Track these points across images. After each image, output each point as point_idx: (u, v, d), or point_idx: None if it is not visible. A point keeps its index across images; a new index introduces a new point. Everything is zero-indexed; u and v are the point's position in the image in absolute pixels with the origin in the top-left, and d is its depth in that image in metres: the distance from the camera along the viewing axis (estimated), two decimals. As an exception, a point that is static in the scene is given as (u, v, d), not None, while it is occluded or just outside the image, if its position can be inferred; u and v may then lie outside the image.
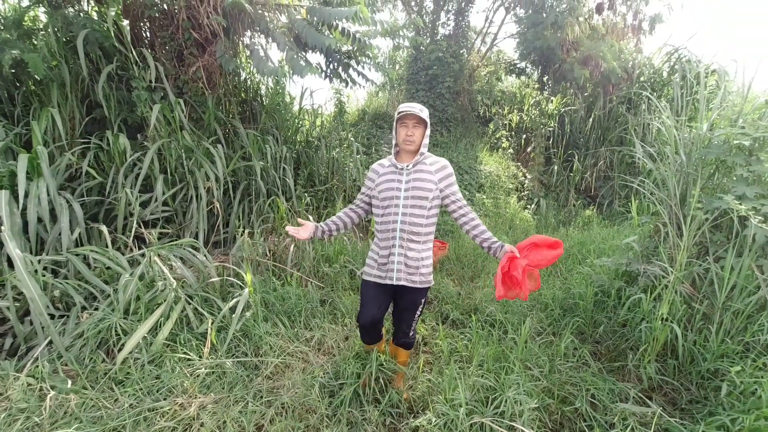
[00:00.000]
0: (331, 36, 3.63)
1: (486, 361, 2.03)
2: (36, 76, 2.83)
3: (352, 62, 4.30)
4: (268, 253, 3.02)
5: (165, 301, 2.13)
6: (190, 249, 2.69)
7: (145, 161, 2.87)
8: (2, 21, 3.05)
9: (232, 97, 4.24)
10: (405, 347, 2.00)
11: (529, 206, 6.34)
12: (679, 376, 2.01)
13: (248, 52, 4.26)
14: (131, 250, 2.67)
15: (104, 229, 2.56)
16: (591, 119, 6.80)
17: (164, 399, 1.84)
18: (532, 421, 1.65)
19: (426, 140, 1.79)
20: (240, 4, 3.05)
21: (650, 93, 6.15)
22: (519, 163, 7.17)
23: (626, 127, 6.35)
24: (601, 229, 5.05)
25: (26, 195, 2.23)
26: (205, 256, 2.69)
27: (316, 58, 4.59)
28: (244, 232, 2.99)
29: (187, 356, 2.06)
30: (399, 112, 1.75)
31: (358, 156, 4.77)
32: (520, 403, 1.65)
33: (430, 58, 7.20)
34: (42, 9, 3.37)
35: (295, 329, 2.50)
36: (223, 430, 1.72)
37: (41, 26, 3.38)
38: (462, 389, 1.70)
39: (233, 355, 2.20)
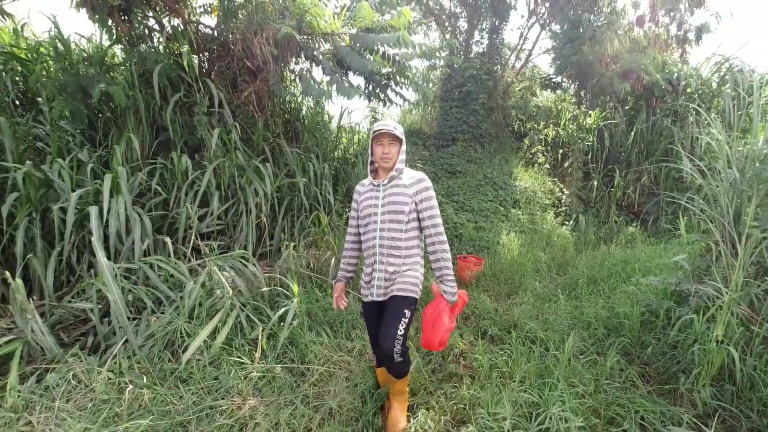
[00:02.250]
0: (372, 60, 3.84)
1: (528, 377, 2.03)
2: (116, 105, 3.21)
3: (391, 83, 4.49)
4: (310, 264, 3.19)
5: (222, 308, 2.32)
6: (242, 260, 2.90)
7: (204, 179, 3.15)
8: (89, 59, 3.51)
9: (278, 118, 4.55)
10: (391, 371, 1.80)
11: (567, 222, 6.19)
12: (738, 403, 1.91)
13: (293, 77, 4.59)
14: (189, 260, 2.92)
15: (168, 240, 2.82)
16: (633, 133, 6.59)
17: (222, 398, 1.99)
18: (578, 439, 1.64)
19: (402, 156, 1.82)
20: (291, 35, 3.33)
21: (698, 105, 5.90)
22: (555, 179, 7.04)
23: (672, 141, 6.10)
24: (646, 246, 4.84)
25: (108, 210, 2.54)
26: (254, 266, 2.88)
27: (355, 79, 4.84)
28: (288, 245, 3.18)
29: (241, 360, 2.22)
30: (374, 131, 1.79)
31: (394, 172, 4.91)
32: (566, 420, 1.65)
33: (463, 75, 7.32)
34: (118, 46, 3.84)
35: (338, 339, 2.61)
36: (276, 429, 1.83)
37: (118, 62, 3.85)
38: (506, 403, 1.72)
39: (281, 361, 2.34)
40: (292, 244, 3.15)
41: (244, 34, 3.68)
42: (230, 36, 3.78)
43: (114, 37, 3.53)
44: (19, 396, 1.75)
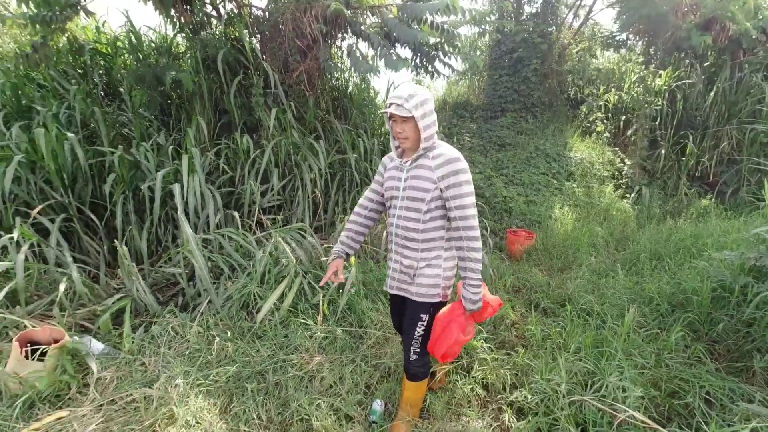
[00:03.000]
0: (420, 30, 3.77)
1: (584, 348, 2.04)
2: (185, 91, 3.49)
3: (439, 53, 4.39)
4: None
5: (288, 275, 2.54)
6: (300, 232, 3.12)
7: (263, 158, 3.37)
8: (159, 49, 3.81)
9: (327, 96, 4.66)
10: (408, 374, 1.71)
11: (628, 195, 5.79)
12: (823, 384, 1.79)
13: (342, 54, 4.63)
14: (254, 232, 3.19)
15: (236, 214, 3.11)
16: (712, 93, 5.87)
17: (292, 354, 2.23)
18: (637, 408, 1.64)
19: (428, 131, 1.45)
20: (340, 11, 3.35)
21: (797, 57, 5.10)
22: (616, 148, 6.54)
23: (762, 100, 5.37)
24: (721, 221, 4.42)
25: (186, 187, 2.84)
26: (312, 237, 3.09)
27: (403, 52, 4.78)
28: (343, 218, 3.34)
29: (306, 322, 2.45)
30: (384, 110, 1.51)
31: (442, 146, 4.87)
32: (624, 390, 1.66)
33: (514, 40, 6.90)
34: (181, 35, 4.12)
35: (391, 306, 2.77)
36: (340, 383, 2.04)
37: (182, 50, 4.13)
38: (560, 370, 1.77)
39: (341, 324, 2.54)
40: (346, 217, 3.31)
41: (294, 13, 3.76)
42: (281, 17, 3.88)
43: (178, 26, 3.79)
44: (133, 342, 2.10)
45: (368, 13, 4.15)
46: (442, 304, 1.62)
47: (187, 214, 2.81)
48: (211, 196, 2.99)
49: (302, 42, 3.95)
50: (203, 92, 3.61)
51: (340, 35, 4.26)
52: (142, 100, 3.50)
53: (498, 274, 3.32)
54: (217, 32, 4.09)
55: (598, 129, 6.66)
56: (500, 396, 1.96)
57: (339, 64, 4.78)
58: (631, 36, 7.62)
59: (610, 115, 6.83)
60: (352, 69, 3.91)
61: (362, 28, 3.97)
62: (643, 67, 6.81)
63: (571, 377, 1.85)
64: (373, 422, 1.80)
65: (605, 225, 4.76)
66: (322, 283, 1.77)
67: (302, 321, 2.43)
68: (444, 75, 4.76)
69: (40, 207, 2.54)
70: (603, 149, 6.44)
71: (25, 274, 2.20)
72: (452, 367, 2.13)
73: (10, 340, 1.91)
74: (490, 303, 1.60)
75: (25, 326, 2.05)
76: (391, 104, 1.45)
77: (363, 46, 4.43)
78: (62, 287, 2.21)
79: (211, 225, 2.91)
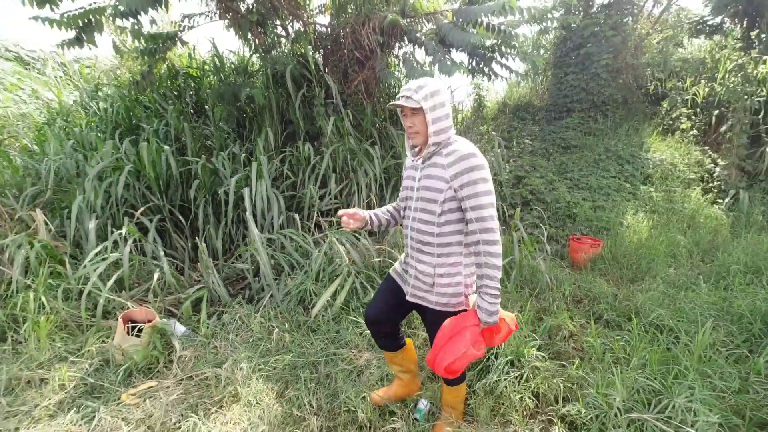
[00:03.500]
0: (475, 33, 3.75)
1: (649, 364, 1.87)
2: (256, 105, 3.88)
3: (496, 55, 4.31)
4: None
5: (341, 274, 2.69)
6: (355, 234, 3.27)
7: (323, 163, 3.60)
8: (237, 69, 4.29)
9: (384, 103, 4.82)
10: (444, 379, 1.65)
11: (720, 200, 5.08)
12: None
13: (396, 62, 4.77)
14: (312, 233, 3.42)
15: (296, 216, 3.36)
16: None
17: (342, 348, 2.36)
18: (710, 436, 1.47)
19: (439, 124, 1.35)
20: (396, 21, 3.48)
21: None
22: (706, 147, 5.78)
23: None
24: None
25: (254, 191, 3.16)
26: (366, 240, 3.22)
27: (458, 56, 4.78)
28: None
29: (356, 320, 2.56)
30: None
31: (499, 150, 4.75)
32: (695, 413, 1.50)
33: (582, 35, 6.48)
34: (255, 55, 4.58)
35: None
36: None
37: (256, 68, 4.59)
38: (619, 385, 1.64)
39: (390, 323, 2.61)
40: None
41: (353, 26, 3.98)
42: (341, 31, 4.13)
43: (253, 48, 4.24)
44: (208, 327, 2.39)
45: (423, 20, 4.23)
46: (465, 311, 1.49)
47: (255, 216, 3.12)
48: (276, 200, 3.27)
49: (360, 53, 4.15)
50: (272, 105, 3.97)
51: (396, 44, 4.40)
52: (221, 115, 3.97)
53: (556, 282, 3.14)
54: (286, 50, 4.48)
55: (683, 126, 5.95)
56: (551, 408, 1.88)
57: (396, 72, 4.93)
58: (726, 19, 6.71)
59: (698, 110, 6.07)
60: (407, 76, 4.01)
61: (417, 35, 4.06)
62: (742, 53, 5.95)
63: (632, 394, 1.71)
64: (416, 420, 1.84)
65: (689, 233, 4.24)
66: (339, 214, 1.62)
67: (353, 319, 2.56)
68: (502, 77, 4.64)
69: (142, 209, 3.01)
70: (689, 149, 5.74)
71: (129, 264, 2.63)
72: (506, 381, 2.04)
73: (117, 318, 2.30)
74: (507, 322, 1.42)
75: (128, 307, 2.45)
76: (400, 96, 1.37)
77: (419, 53, 4.53)
78: (156, 277, 2.60)
79: (275, 226, 3.19)
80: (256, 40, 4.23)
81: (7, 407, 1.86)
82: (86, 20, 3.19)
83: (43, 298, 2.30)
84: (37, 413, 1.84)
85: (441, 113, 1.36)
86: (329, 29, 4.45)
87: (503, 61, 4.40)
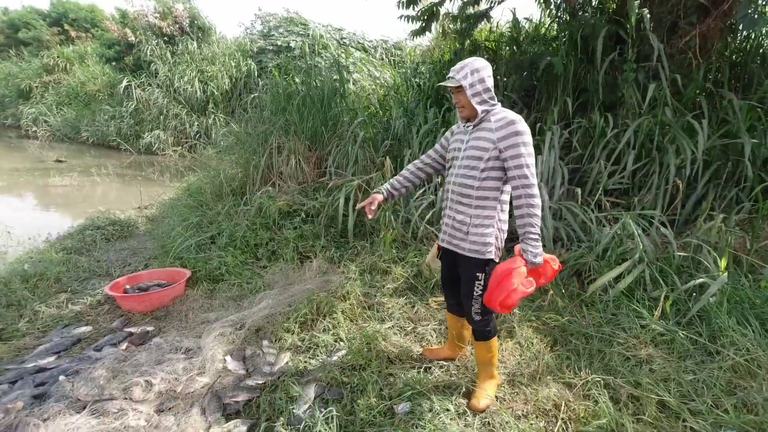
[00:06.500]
0: None
1: None
2: (554, 74, 3.87)
3: None
4: (749, 246, 2.64)
5: (631, 258, 2.52)
6: (651, 219, 2.89)
7: (623, 138, 3.27)
8: (536, 38, 4.36)
9: (724, 63, 3.69)
10: (475, 336, 1.83)
11: None
12: None
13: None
14: (593, 211, 3.25)
15: (578, 191, 3.28)
16: None
17: (619, 331, 2.28)
18: None
19: (478, 98, 1.61)
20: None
21: None
22: None
23: None
24: None
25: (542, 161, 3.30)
26: (666, 228, 2.79)
27: None
28: (716, 216, 2.76)
29: (638, 310, 2.37)
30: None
31: None
32: None
33: None
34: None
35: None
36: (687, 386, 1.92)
37: (554, 35, 4.49)
38: None
39: (683, 328, 2.27)
40: (722, 216, 2.72)
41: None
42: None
43: (555, 12, 4.14)
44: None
45: None
46: (496, 264, 1.65)
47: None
48: (560, 171, 3.30)
49: (706, -2, 3.28)
50: (568, 73, 3.85)
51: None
52: (514, 85, 4.21)
53: None
54: (596, 8, 4.12)
55: None
56: None
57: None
58: None
59: None
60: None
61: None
62: None
63: None
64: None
65: None
66: (358, 207, 1.94)
67: (635, 308, 2.39)
68: None
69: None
70: None
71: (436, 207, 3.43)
72: None
73: (431, 245, 3.13)
74: (550, 263, 1.63)
75: (436, 236, 3.26)
76: (448, 77, 1.65)
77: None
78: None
79: (555, 196, 3.26)
80: (564, 3, 4.09)
81: (369, 282, 2.97)
82: (431, 13, 4.07)
83: (391, 219, 3.40)
84: (384, 291, 2.85)
85: (479, 88, 1.61)
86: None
87: None
